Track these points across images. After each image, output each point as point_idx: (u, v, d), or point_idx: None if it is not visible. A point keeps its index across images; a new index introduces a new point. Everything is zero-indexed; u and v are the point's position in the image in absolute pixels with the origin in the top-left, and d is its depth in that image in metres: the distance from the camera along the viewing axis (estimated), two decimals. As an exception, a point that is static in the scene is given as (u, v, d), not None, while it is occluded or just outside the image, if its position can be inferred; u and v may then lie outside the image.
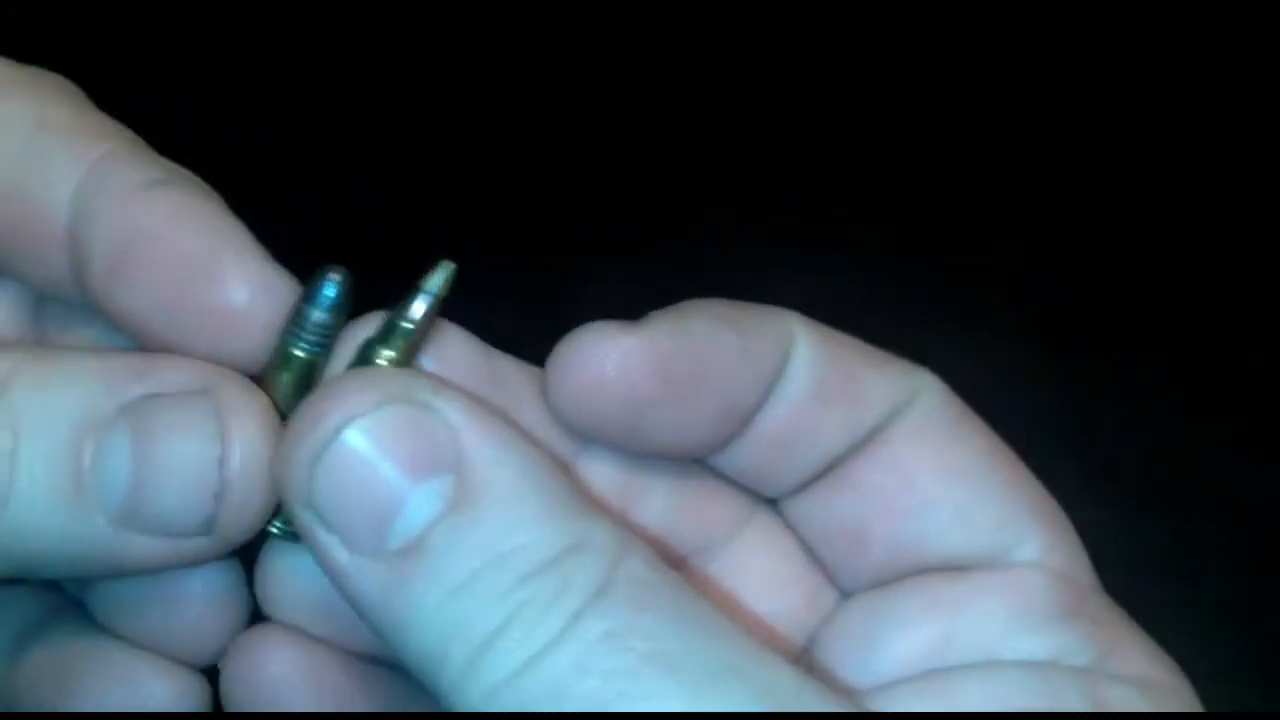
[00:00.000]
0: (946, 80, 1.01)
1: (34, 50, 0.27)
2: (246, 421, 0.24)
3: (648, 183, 0.89)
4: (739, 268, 0.77)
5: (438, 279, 0.24)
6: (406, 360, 0.25)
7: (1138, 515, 0.68)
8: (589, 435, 0.25)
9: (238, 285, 0.24)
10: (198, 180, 0.25)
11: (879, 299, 0.78)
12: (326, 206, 0.81)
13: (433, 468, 0.22)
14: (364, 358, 0.25)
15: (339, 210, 0.82)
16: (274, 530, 0.25)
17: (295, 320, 0.25)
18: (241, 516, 0.24)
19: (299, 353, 0.25)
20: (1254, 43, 0.97)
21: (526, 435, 0.23)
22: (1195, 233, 0.90)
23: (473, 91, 0.94)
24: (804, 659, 0.28)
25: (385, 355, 0.24)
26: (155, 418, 0.24)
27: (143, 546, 0.24)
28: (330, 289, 0.24)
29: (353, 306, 0.25)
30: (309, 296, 0.24)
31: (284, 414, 0.25)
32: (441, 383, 0.23)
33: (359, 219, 0.81)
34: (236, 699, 0.26)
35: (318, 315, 0.24)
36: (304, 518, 0.23)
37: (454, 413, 0.22)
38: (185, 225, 0.24)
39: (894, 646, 0.26)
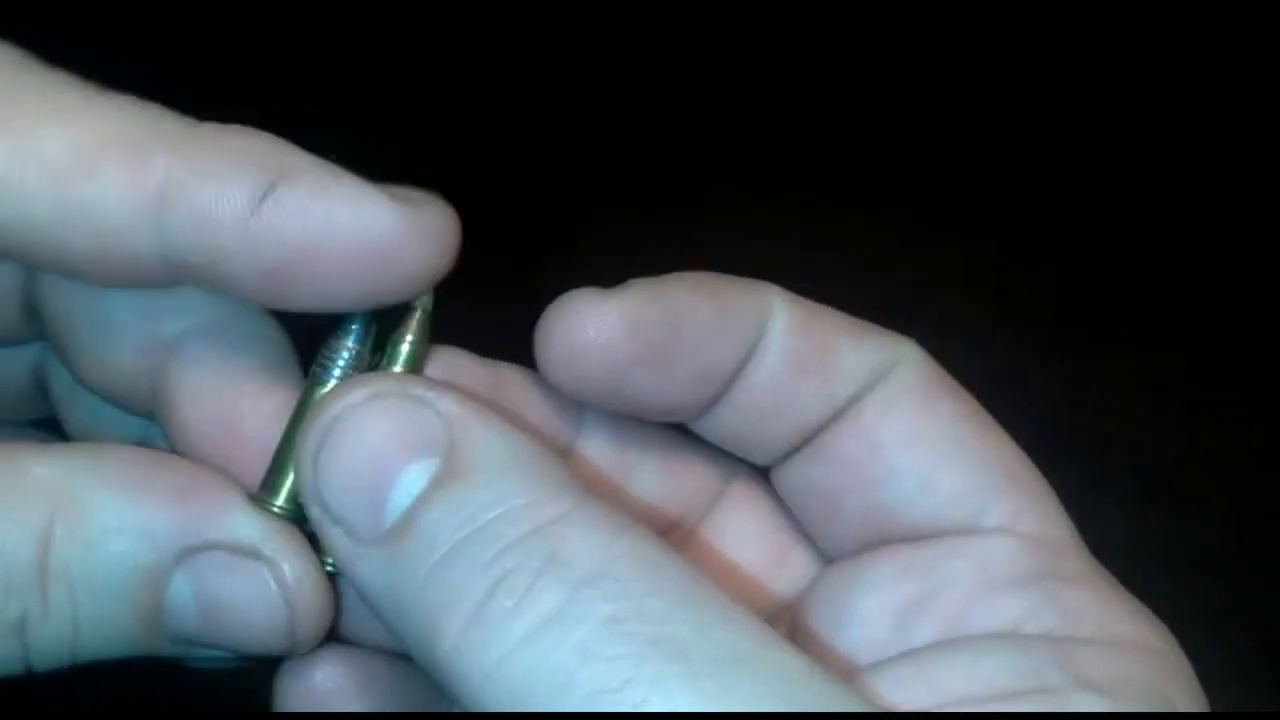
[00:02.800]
0: (947, 77, 1.01)
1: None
2: (301, 566, 0.25)
3: (645, 179, 0.89)
4: (737, 267, 0.76)
5: (424, 296, 0.26)
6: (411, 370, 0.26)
7: (1139, 515, 0.68)
8: (578, 397, 0.26)
9: (417, 248, 0.24)
10: (283, 155, 0.24)
11: (879, 298, 0.78)
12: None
13: (422, 450, 0.23)
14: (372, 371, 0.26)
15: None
16: (277, 510, 0.26)
17: (326, 354, 0.26)
18: (315, 638, 0.25)
19: (330, 385, 0.25)
20: (1253, 47, 0.98)
21: (519, 425, 0.24)
22: (1195, 231, 0.90)
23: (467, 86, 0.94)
24: (784, 619, 0.29)
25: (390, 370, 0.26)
26: (213, 572, 0.24)
27: (217, 655, 0.25)
28: (358, 322, 0.25)
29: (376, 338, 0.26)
30: (341, 329, 0.25)
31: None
32: (438, 382, 0.24)
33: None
34: (290, 704, 0.27)
35: (349, 346, 0.25)
36: (314, 513, 0.24)
37: (447, 405, 0.23)
38: (330, 229, 0.23)
39: (867, 610, 0.27)
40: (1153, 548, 0.66)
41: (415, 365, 0.26)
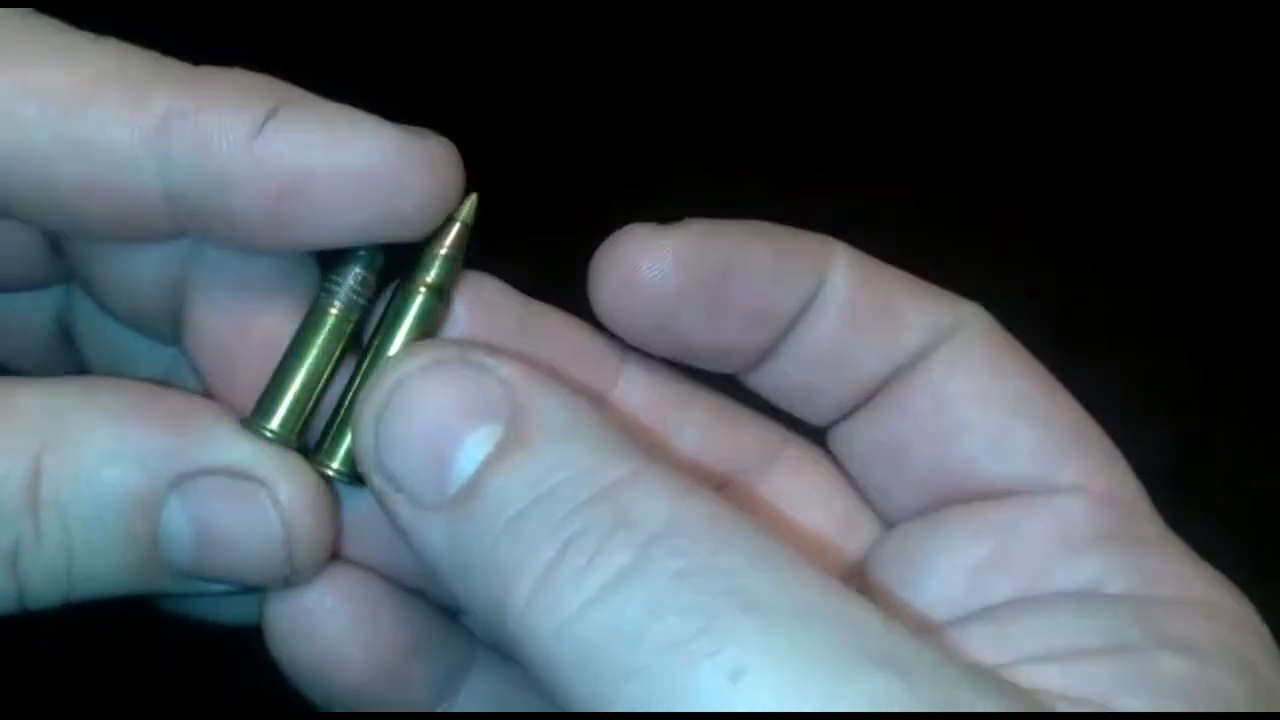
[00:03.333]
0: (952, 77, 1.01)
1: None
2: (297, 488, 0.25)
3: (648, 179, 0.89)
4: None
5: (466, 209, 0.25)
6: (444, 286, 0.25)
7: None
8: (628, 334, 0.26)
9: (417, 176, 0.23)
10: (271, 84, 0.24)
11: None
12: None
13: (485, 416, 0.23)
14: (402, 291, 0.25)
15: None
16: (332, 472, 0.26)
17: (331, 279, 0.25)
18: (312, 568, 0.25)
19: (335, 311, 0.25)
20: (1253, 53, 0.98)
21: (573, 390, 0.24)
22: (1198, 232, 0.90)
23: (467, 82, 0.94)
24: (853, 581, 0.28)
25: (423, 280, 0.25)
26: (207, 498, 0.24)
27: (213, 588, 0.25)
28: (364, 250, 0.25)
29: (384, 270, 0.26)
30: (346, 255, 0.25)
31: (309, 381, 0.25)
32: (496, 349, 0.24)
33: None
34: (274, 628, 0.26)
35: (355, 272, 0.25)
36: (376, 482, 0.24)
37: (508, 371, 0.23)
38: (331, 152, 0.23)
39: (942, 569, 0.26)
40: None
41: (447, 278, 0.26)
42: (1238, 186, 0.93)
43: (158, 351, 0.28)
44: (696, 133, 0.94)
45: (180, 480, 0.24)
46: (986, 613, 0.25)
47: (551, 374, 0.24)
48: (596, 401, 0.27)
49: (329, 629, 0.26)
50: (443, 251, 0.25)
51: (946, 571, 0.26)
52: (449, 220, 0.25)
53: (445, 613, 0.28)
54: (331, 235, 0.24)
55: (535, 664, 0.21)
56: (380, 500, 0.24)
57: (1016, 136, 0.97)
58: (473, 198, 0.25)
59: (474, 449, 0.23)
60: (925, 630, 0.25)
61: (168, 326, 0.27)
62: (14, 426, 0.24)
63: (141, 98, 0.23)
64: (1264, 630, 0.25)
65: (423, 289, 0.26)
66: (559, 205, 0.85)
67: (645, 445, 0.23)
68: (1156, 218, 0.91)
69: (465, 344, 0.25)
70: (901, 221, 0.89)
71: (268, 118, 0.23)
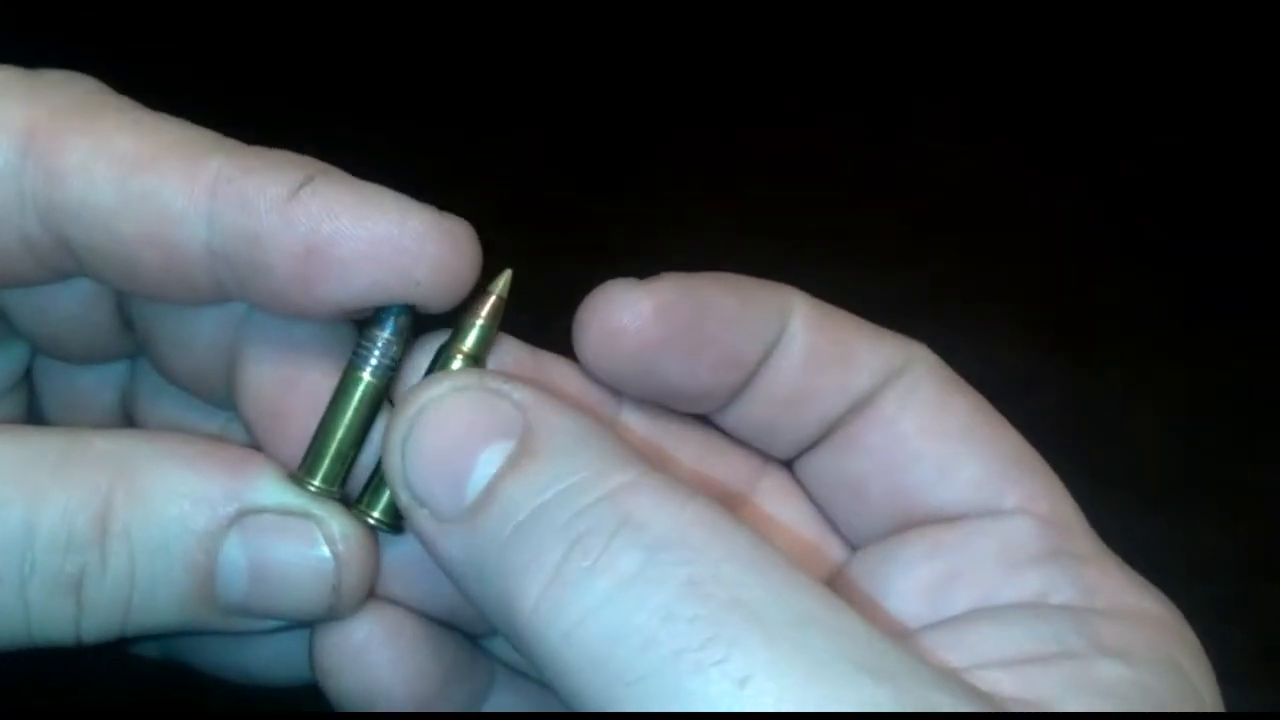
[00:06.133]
0: (957, 76, 1.01)
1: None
2: (346, 528, 0.27)
3: (649, 180, 0.89)
4: (737, 267, 0.76)
5: (501, 282, 0.28)
6: (479, 354, 0.28)
7: (1139, 514, 0.68)
8: (613, 381, 0.28)
9: (431, 246, 0.25)
10: (315, 161, 0.26)
11: (883, 297, 0.78)
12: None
13: (499, 434, 0.25)
14: (441, 355, 0.28)
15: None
16: (372, 522, 0.28)
17: (363, 344, 0.27)
18: (356, 601, 0.27)
19: (367, 376, 0.27)
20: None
21: (585, 411, 0.26)
22: (1198, 232, 0.90)
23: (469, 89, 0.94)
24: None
25: (460, 349, 0.27)
26: (264, 533, 0.27)
27: (261, 625, 0.27)
28: (395, 313, 0.27)
29: (412, 338, 0.28)
30: (377, 321, 0.27)
31: (348, 439, 0.27)
32: (513, 375, 0.26)
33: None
34: (324, 663, 0.28)
35: (383, 336, 0.27)
36: (402, 497, 0.25)
37: (521, 394, 0.25)
38: (355, 218, 0.25)
39: (903, 587, 0.29)
40: (1154, 548, 0.66)
41: (483, 347, 0.28)
42: (1238, 185, 0.93)
43: (211, 420, 0.31)
44: (697, 140, 0.94)
45: (240, 517, 0.26)
46: (947, 622, 0.27)
47: (563, 396, 0.26)
48: (606, 421, 0.29)
49: (376, 664, 0.28)
50: (479, 322, 0.27)
51: (908, 588, 0.28)
52: (485, 292, 0.27)
53: (470, 640, 0.30)
54: (351, 295, 0.26)
55: (545, 666, 0.23)
56: (407, 516, 0.26)
57: (1021, 138, 0.97)
58: (507, 273, 0.28)
59: (488, 463, 0.24)
60: (897, 635, 0.26)
61: (221, 389, 0.29)
62: (88, 465, 0.26)
63: (197, 163, 0.25)
64: (1192, 637, 0.27)
65: (459, 355, 0.28)
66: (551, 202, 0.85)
67: (649, 457, 0.25)
68: (1156, 218, 0.91)
69: (483, 372, 0.27)
70: (902, 221, 0.90)
71: (302, 184, 0.25)
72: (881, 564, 0.29)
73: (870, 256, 0.83)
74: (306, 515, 0.27)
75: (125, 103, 0.27)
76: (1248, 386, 0.79)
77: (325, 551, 0.27)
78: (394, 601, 0.29)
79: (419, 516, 0.25)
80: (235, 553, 0.26)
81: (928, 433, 0.29)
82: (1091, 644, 0.25)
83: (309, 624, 0.28)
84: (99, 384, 0.31)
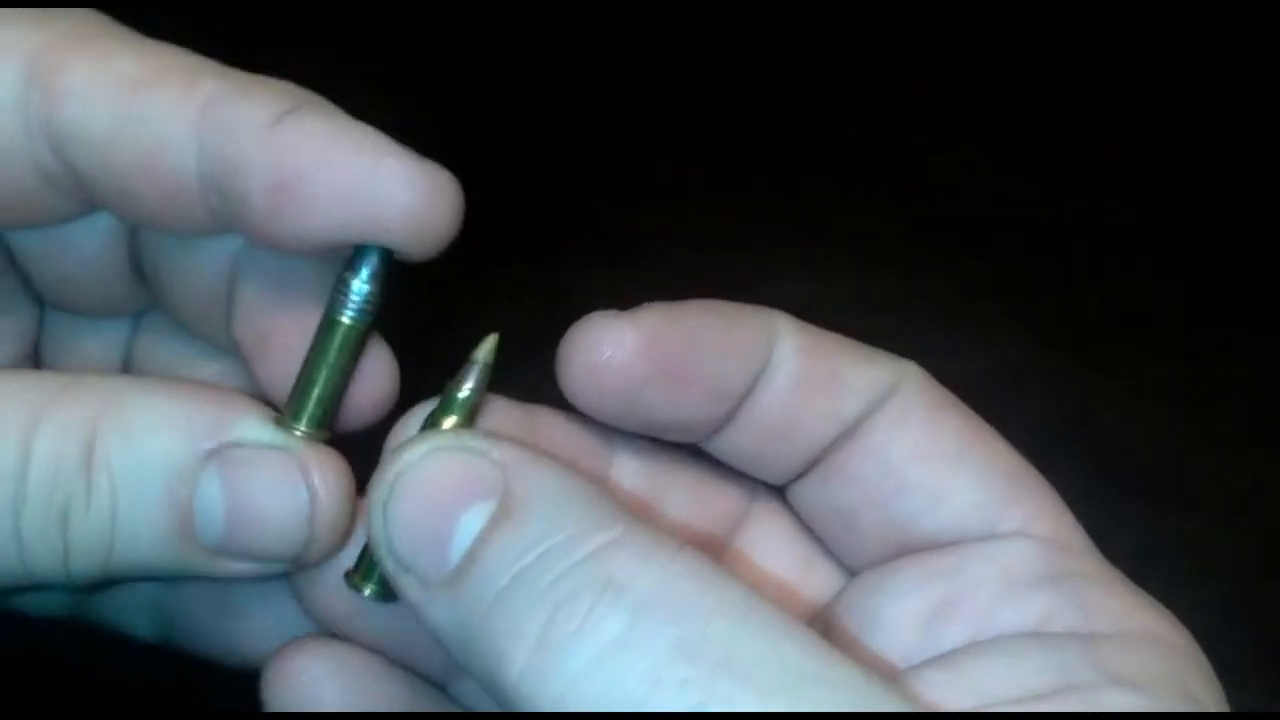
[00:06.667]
0: (952, 75, 1.01)
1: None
2: (324, 466, 0.27)
3: (648, 178, 0.89)
4: (737, 266, 0.77)
5: (486, 349, 0.27)
6: (466, 424, 0.27)
7: (1139, 514, 0.68)
8: (599, 414, 0.28)
9: (405, 190, 0.25)
10: (310, 94, 0.26)
11: (879, 299, 0.78)
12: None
13: (479, 495, 0.24)
14: (428, 424, 0.27)
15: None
16: (368, 593, 0.27)
17: (338, 288, 0.27)
18: (329, 546, 0.27)
19: (344, 320, 0.27)
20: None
21: (568, 467, 0.25)
22: (1197, 233, 0.90)
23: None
24: (817, 628, 0.29)
25: (447, 422, 0.27)
26: (243, 467, 0.26)
27: (236, 568, 0.27)
28: (367, 254, 0.26)
29: (391, 282, 0.27)
30: (351, 265, 0.27)
31: (330, 382, 0.27)
32: (492, 433, 0.26)
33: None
34: (274, 699, 0.28)
35: (355, 279, 0.27)
36: (387, 564, 0.25)
37: (500, 452, 0.24)
38: (332, 150, 0.25)
39: (898, 615, 0.28)
40: (1154, 548, 0.66)
41: (471, 414, 0.27)
42: (1238, 186, 0.93)
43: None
44: (697, 138, 0.94)
45: (218, 450, 0.26)
46: (945, 658, 0.26)
47: (547, 453, 0.25)
48: (596, 479, 0.28)
49: (320, 697, 0.28)
50: (462, 395, 0.27)
51: (902, 617, 0.28)
52: (470, 361, 0.27)
53: (434, 685, 0.30)
54: (321, 231, 0.25)
55: None
56: (394, 583, 0.25)
57: (1018, 137, 0.97)
58: (492, 339, 0.27)
59: (469, 526, 0.24)
60: (890, 677, 0.26)
61: (224, 327, 0.29)
62: (77, 398, 0.26)
63: (191, 86, 0.25)
64: (1202, 658, 0.26)
65: (445, 425, 0.27)
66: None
67: (630, 509, 0.24)
68: (1156, 218, 0.91)
69: (463, 431, 0.26)
70: (902, 221, 0.89)
71: (287, 113, 0.25)
72: (875, 592, 0.29)
73: (870, 256, 0.82)
74: (284, 449, 0.26)
75: (128, 32, 0.27)
76: (1248, 386, 0.79)
77: (301, 485, 0.26)
78: (347, 638, 0.28)
79: (406, 583, 0.24)
80: (213, 488, 0.26)
81: (919, 457, 0.28)
82: (1099, 673, 0.24)
83: (287, 567, 0.27)
84: (104, 354, 0.32)
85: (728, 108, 0.97)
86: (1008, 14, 1.03)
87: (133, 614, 0.31)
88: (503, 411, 0.28)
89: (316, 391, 0.27)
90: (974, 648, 0.26)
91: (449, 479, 0.24)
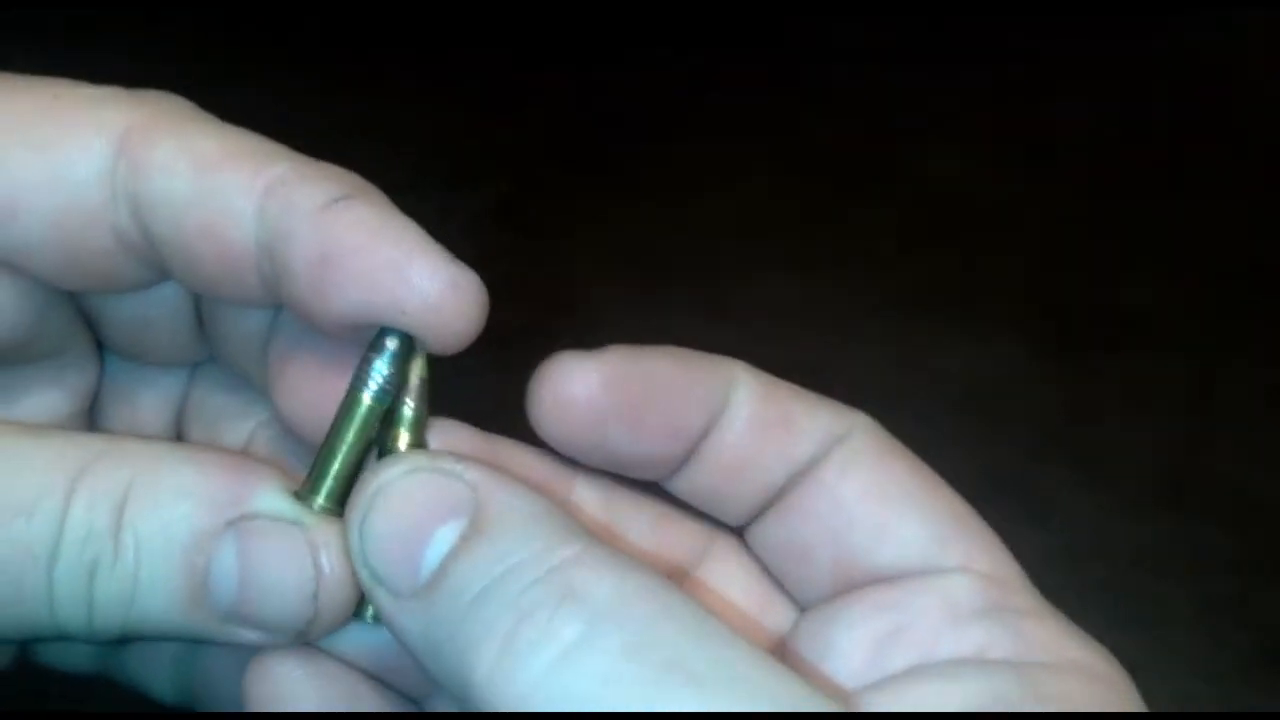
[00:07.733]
0: (950, 76, 1.01)
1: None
2: (333, 545, 0.28)
3: (646, 178, 0.89)
4: (737, 265, 0.77)
5: (419, 367, 0.29)
6: (417, 436, 0.29)
7: (1139, 515, 0.68)
8: (565, 448, 0.30)
9: (429, 282, 0.27)
10: (368, 186, 0.28)
11: (880, 300, 0.78)
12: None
13: (452, 513, 0.26)
14: (383, 447, 0.29)
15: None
16: (368, 620, 0.29)
17: (361, 367, 0.29)
18: (334, 620, 0.28)
19: (364, 398, 0.29)
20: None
21: (533, 489, 0.27)
22: (1194, 231, 0.90)
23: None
24: (774, 656, 0.31)
25: (399, 437, 0.29)
26: (257, 538, 0.28)
27: (244, 635, 0.28)
28: (387, 337, 0.28)
29: (431, 380, 0.29)
30: (374, 345, 0.28)
31: (347, 459, 0.29)
32: (465, 455, 0.28)
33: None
34: (254, 699, 0.29)
35: (375, 359, 0.28)
36: (362, 575, 0.27)
37: (473, 474, 0.26)
38: (372, 237, 0.27)
39: (848, 644, 0.30)
40: (1154, 549, 0.66)
41: (418, 427, 0.29)
42: (1238, 186, 0.93)
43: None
44: (696, 138, 0.94)
45: (236, 520, 0.28)
46: (888, 680, 0.28)
47: (514, 476, 0.27)
48: (558, 500, 0.30)
49: (299, 695, 0.29)
50: (410, 414, 0.29)
51: (851, 646, 0.30)
52: (408, 383, 0.29)
53: (409, 700, 0.31)
54: (348, 310, 0.27)
55: None
56: (367, 594, 0.27)
57: (1017, 137, 0.98)
58: (422, 357, 0.29)
59: (440, 542, 0.25)
60: (839, 694, 0.28)
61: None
62: (115, 463, 0.28)
63: (263, 166, 0.27)
64: (1131, 687, 0.28)
65: (397, 439, 0.29)
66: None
67: (591, 530, 0.26)
68: (1156, 218, 0.91)
69: (437, 453, 0.28)
70: (901, 221, 0.90)
71: (340, 198, 0.27)
72: (826, 624, 0.30)
73: (869, 256, 0.83)
74: (296, 522, 0.28)
75: (212, 118, 0.29)
76: (1248, 387, 0.79)
77: (308, 562, 0.28)
78: (328, 651, 0.30)
79: (378, 594, 0.26)
80: (228, 555, 0.27)
81: (868, 496, 0.30)
82: (1031, 694, 0.26)
83: (290, 639, 0.29)
84: (161, 401, 0.34)
85: (727, 107, 0.98)
86: (1007, 14, 1.03)
87: (155, 672, 0.33)
88: (467, 437, 0.30)
89: (335, 467, 0.29)
90: (915, 671, 0.28)
91: (424, 497, 0.26)
